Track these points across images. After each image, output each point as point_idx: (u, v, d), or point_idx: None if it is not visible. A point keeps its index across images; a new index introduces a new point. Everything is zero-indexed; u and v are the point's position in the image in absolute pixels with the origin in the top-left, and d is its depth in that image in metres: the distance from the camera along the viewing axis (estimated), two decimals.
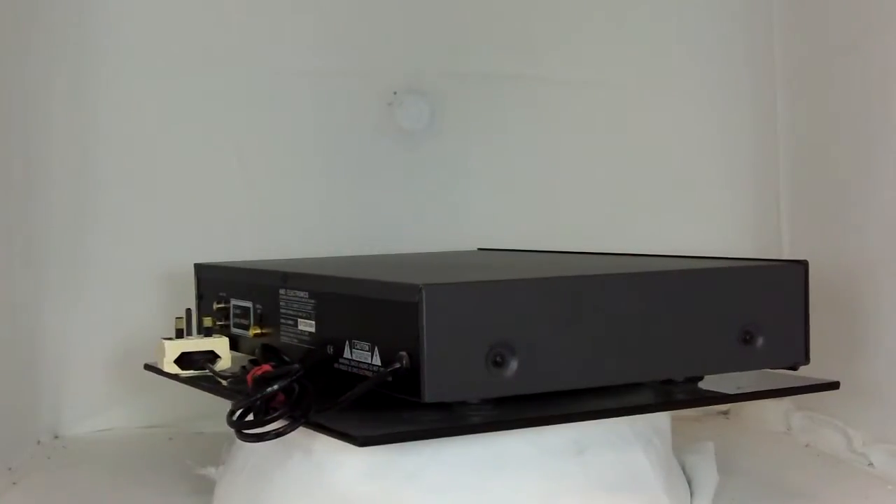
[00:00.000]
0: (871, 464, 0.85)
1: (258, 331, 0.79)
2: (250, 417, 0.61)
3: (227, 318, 0.84)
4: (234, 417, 0.61)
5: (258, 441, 0.61)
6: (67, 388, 1.05)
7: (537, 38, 1.12)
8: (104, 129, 1.06)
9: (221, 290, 0.86)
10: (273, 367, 0.66)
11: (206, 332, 0.80)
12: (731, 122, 1.11)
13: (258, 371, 0.65)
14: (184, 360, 0.78)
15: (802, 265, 0.71)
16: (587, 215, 1.11)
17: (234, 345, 0.81)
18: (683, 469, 0.79)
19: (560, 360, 0.63)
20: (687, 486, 0.76)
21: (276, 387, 0.61)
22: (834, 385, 0.74)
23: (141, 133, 1.06)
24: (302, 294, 0.73)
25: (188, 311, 0.81)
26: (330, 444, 0.65)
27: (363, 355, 0.65)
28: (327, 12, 1.10)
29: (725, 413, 1.08)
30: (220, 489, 0.75)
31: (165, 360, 0.77)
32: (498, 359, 0.61)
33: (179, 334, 0.80)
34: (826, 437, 0.92)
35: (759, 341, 0.69)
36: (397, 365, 0.60)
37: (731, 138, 1.11)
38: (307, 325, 0.72)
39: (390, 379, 0.61)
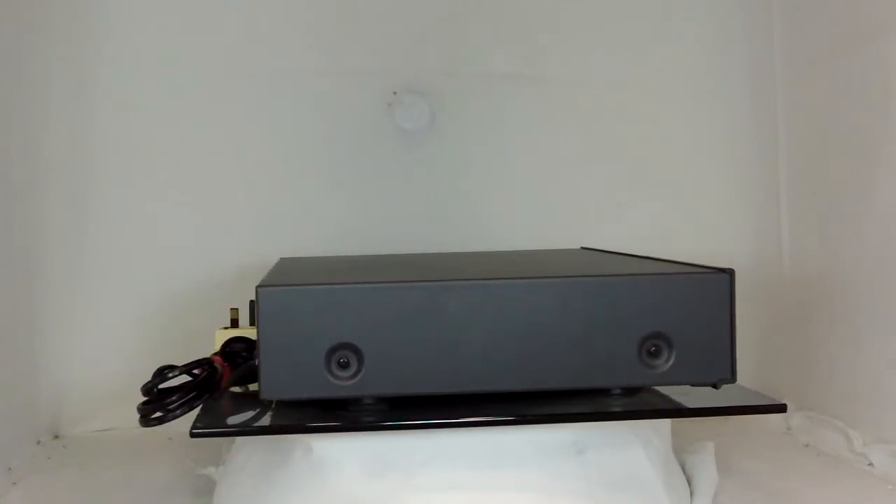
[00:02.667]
0: (871, 464, 0.85)
1: None
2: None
3: None
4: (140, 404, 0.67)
5: (146, 425, 0.66)
6: (67, 388, 1.05)
7: (537, 38, 1.12)
8: (104, 130, 1.06)
9: None
10: (217, 356, 0.73)
11: None
12: (732, 122, 1.11)
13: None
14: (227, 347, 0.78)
15: (727, 273, 0.66)
16: (587, 215, 1.11)
17: None
18: (683, 469, 0.79)
19: (410, 365, 0.63)
20: (687, 486, 0.76)
21: (163, 377, 0.68)
22: (781, 408, 0.69)
23: (140, 133, 1.06)
24: None
25: (251, 302, 0.79)
26: (330, 443, 0.66)
27: None
28: (327, 12, 1.10)
29: None
30: (220, 489, 0.75)
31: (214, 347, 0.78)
32: (342, 360, 0.62)
33: (234, 324, 0.80)
34: (826, 437, 0.92)
35: (669, 355, 0.64)
36: (255, 362, 0.64)
37: (731, 138, 1.11)
38: None
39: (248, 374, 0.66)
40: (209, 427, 0.65)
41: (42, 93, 1.03)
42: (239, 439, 0.74)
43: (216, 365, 0.72)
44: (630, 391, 0.67)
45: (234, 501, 0.72)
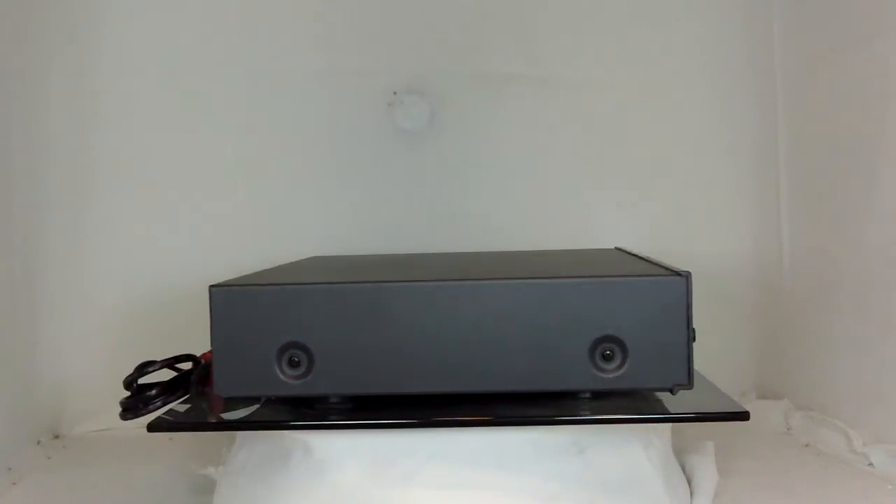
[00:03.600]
0: (871, 464, 0.85)
1: None
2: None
3: None
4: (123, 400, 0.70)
5: (124, 419, 0.70)
6: (67, 388, 1.05)
7: (537, 38, 1.12)
8: (103, 130, 1.06)
9: None
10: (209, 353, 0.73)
11: None
12: (732, 122, 1.11)
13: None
14: None
15: (683, 277, 0.63)
16: (587, 215, 1.11)
17: None
18: (683, 469, 0.79)
19: (358, 365, 0.63)
20: (687, 486, 0.76)
21: (143, 371, 0.71)
22: (743, 415, 0.66)
23: (139, 134, 1.07)
24: None
25: None
26: (330, 444, 0.66)
27: None
28: (327, 12, 1.10)
29: None
30: (220, 489, 0.75)
31: None
32: (293, 359, 0.63)
33: None
34: (826, 437, 0.92)
35: (623, 359, 0.63)
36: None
37: (731, 138, 1.11)
38: None
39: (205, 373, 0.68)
40: (166, 423, 0.68)
41: (42, 92, 1.03)
42: (239, 439, 0.74)
43: (203, 360, 0.72)
44: (598, 395, 0.66)
45: (234, 501, 0.72)
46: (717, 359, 1.01)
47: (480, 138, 1.12)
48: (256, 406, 0.68)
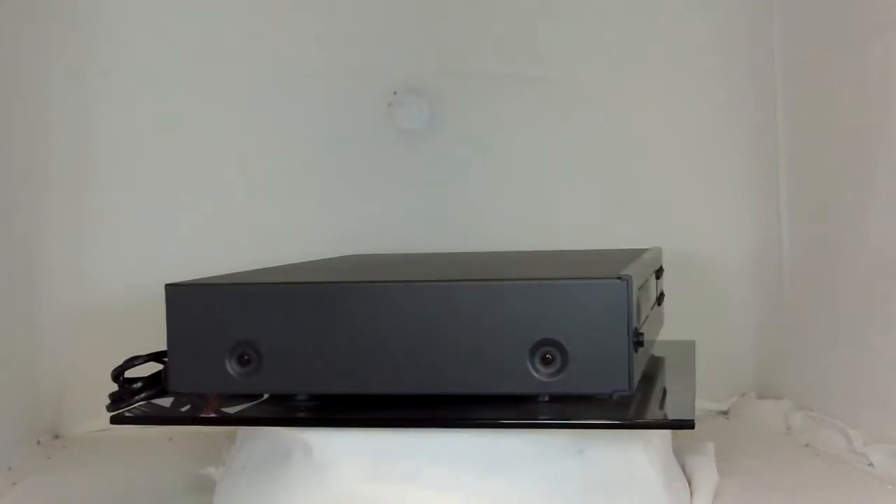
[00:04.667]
0: (871, 464, 0.85)
1: None
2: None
3: None
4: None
5: (110, 411, 0.69)
6: (67, 388, 1.05)
7: (537, 38, 1.12)
8: (103, 130, 1.06)
9: None
10: None
11: None
12: (732, 122, 1.11)
13: None
14: None
15: (624, 281, 0.61)
16: (587, 215, 1.11)
17: None
18: (683, 469, 0.79)
19: (306, 364, 0.64)
20: (687, 486, 0.76)
21: (130, 364, 0.72)
22: (688, 424, 0.63)
23: (139, 134, 1.07)
24: None
25: None
26: (330, 443, 0.66)
27: None
28: (327, 12, 1.10)
29: (725, 413, 1.08)
30: (220, 489, 0.75)
31: None
32: (243, 357, 0.64)
33: None
34: (826, 437, 0.92)
35: (563, 363, 0.61)
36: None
37: (731, 138, 1.11)
38: None
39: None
40: (129, 416, 0.69)
41: (42, 92, 1.03)
42: (239, 439, 0.74)
43: None
44: (556, 399, 0.65)
45: (234, 501, 0.71)
46: (717, 359, 1.01)
47: (480, 138, 1.12)
48: (251, 403, 0.69)
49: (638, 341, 0.62)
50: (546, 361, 0.61)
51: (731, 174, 1.11)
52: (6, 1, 0.97)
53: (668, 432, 0.76)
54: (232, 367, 0.65)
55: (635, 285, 0.62)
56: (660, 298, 0.86)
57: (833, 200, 0.98)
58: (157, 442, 1.00)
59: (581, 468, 0.67)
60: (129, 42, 1.06)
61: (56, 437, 1.04)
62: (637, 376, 0.63)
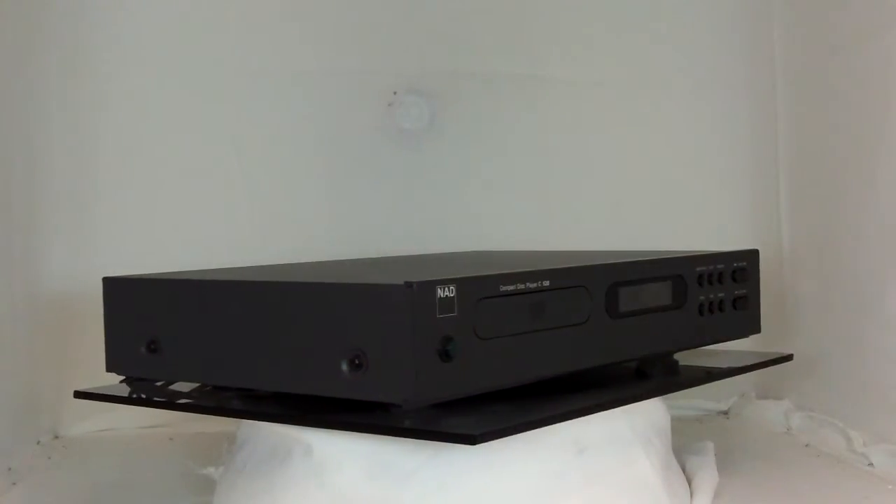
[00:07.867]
0: (871, 464, 0.85)
1: None
2: None
3: None
4: None
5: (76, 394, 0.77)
6: (67, 388, 1.04)
7: (537, 38, 1.12)
8: (102, 131, 1.06)
9: None
10: None
11: None
12: (732, 122, 1.11)
13: None
14: None
15: (410, 288, 0.58)
16: (587, 215, 1.11)
17: None
18: (683, 469, 0.79)
19: (197, 355, 0.70)
20: (687, 486, 0.76)
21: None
22: (470, 439, 0.59)
23: (139, 134, 1.07)
24: None
25: None
26: (330, 443, 0.66)
27: None
28: (327, 12, 1.10)
29: (725, 413, 1.08)
30: (220, 489, 0.75)
31: None
32: (152, 346, 0.71)
33: None
34: (826, 437, 0.92)
35: (367, 369, 0.60)
36: None
37: (731, 138, 1.11)
38: None
39: None
40: (95, 392, 0.76)
41: (42, 92, 1.03)
42: (239, 439, 0.74)
43: None
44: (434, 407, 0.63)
45: (234, 501, 0.72)
46: None
47: (480, 138, 1.12)
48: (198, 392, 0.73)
49: (444, 350, 0.59)
50: (355, 365, 0.61)
51: (731, 174, 1.11)
52: (6, 1, 0.97)
53: (668, 432, 0.76)
54: (144, 355, 0.72)
55: (441, 293, 0.60)
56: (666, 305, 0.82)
57: (833, 200, 0.98)
58: (157, 442, 1.00)
59: (581, 468, 0.67)
60: (129, 42, 1.06)
61: (56, 437, 1.04)
62: (454, 388, 0.61)
